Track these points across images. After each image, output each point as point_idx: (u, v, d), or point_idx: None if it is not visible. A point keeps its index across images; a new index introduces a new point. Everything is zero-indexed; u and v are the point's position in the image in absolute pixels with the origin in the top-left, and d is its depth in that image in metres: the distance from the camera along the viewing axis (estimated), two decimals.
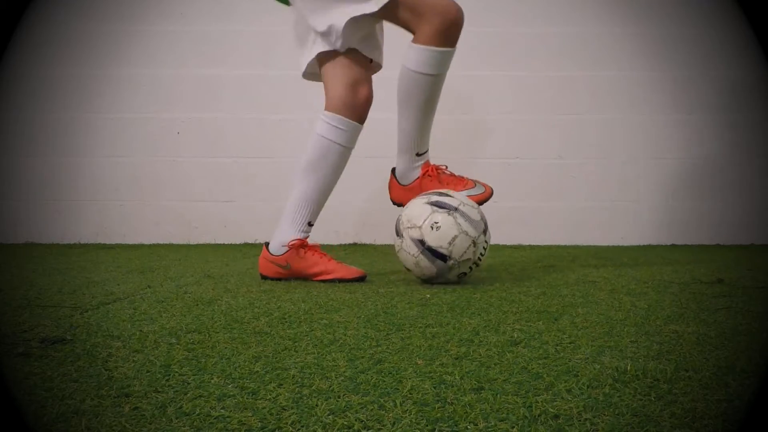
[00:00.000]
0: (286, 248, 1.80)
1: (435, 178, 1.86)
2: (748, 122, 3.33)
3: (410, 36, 1.75)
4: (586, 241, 3.33)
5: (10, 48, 3.14)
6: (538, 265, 2.26)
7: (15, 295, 1.51)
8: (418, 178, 1.88)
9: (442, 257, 1.63)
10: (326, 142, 1.79)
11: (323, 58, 1.78)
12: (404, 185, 1.90)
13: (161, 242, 3.32)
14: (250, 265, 2.24)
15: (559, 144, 3.35)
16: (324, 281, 1.78)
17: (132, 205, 3.33)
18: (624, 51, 3.34)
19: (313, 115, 3.30)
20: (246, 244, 3.26)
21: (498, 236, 3.36)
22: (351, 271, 1.81)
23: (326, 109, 1.81)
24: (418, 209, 1.68)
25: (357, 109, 1.81)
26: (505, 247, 3.17)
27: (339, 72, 1.78)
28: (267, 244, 1.84)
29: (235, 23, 3.34)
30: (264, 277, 1.84)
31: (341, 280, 1.77)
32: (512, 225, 3.33)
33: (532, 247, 3.15)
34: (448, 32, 1.69)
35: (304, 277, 1.81)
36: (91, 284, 1.72)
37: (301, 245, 1.80)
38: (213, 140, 3.36)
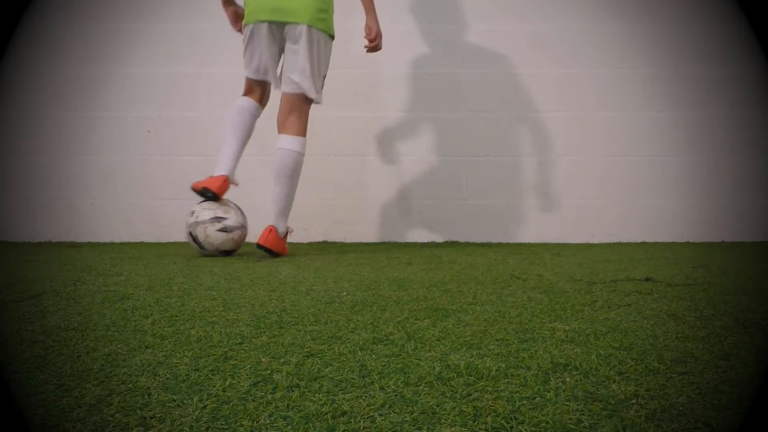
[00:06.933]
0: None
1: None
2: (714, 120, 3.28)
3: None
4: (557, 239, 3.30)
5: None
6: (486, 261, 2.25)
7: None
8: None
9: None
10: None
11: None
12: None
13: (132, 240, 3.35)
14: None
15: (528, 142, 3.33)
16: None
17: (103, 203, 3.37)
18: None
19: None
20: None
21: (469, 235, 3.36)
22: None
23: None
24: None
25: None
26: (475, 245, 3.15)
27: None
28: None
29: (206, 21, 3.35)
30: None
31: None
32: (483, 223, 3.32)
33: (500, 245, 3.13)
34: None
35: None
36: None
37: None
38: (183, 138, 3.38)
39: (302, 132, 2.51)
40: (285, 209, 2.51)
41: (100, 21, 3.34)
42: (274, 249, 2.46)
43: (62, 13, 3.33)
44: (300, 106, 2.50)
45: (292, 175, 2.47)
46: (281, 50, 2.52)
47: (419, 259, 2.39)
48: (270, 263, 2.27)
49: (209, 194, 2.55)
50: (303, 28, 2.41)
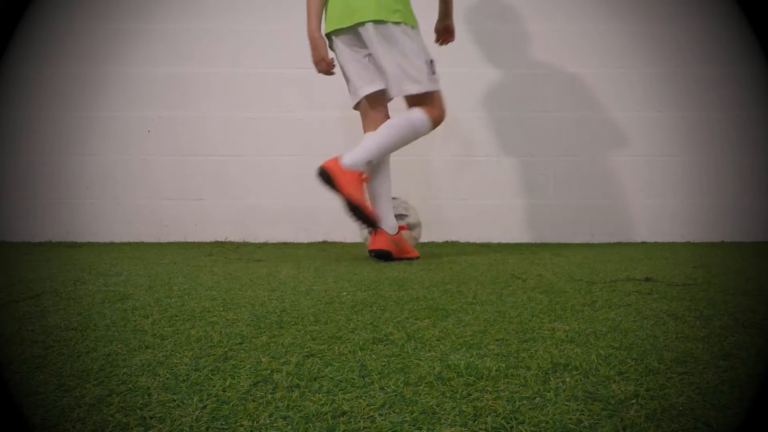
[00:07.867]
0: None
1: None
2: (714, 120, 3.28)
3: None
4: (557, 239, 3.30)
5: None
6: (485, 261, 2.25)
7: None
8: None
9: None
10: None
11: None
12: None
13: (132, 240, 3.35)
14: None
15: (528, 142, 3.33)
16: None
17: (103, 203, 3.37)
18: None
19: (282, 113, 3.36)
20: (216, 242, 3.28)
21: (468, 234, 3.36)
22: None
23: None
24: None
25: None
26: (474, 244, 3.15)
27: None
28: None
29: (206, 21, 3.36)
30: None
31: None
32: (480, 223, 3.32)
33: (500, 245, 3.13)
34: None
35: None
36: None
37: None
38: (183, 138, 3.38)
39: (429, 112, 2.27)
40: (367, 148, 2.18)
41: (100, 21, 3.34)
42: (350, 197, 2.18)
43: (62, 13, 3.33)
44: (417, 101, 2.27)
45: (401, 128, 2.22)
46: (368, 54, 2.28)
47: (419, 259, 2.38)
48: (269, 263, 2.27)
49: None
50: (370, 26, 2.17)
